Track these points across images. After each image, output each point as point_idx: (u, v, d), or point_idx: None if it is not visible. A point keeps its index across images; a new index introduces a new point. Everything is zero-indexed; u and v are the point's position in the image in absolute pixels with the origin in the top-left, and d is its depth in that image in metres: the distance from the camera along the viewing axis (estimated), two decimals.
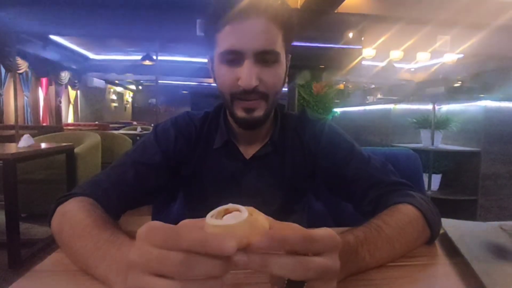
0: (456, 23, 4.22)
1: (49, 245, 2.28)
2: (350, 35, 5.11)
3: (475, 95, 2.36)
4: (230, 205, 0.35)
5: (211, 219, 0.33)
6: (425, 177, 2.35)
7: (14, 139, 4.06)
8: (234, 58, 0.61)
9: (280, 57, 0.63)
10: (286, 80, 0.71)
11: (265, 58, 0.61)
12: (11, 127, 5.02)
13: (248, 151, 0.72)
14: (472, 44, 4.90)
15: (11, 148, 2.26)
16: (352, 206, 0.71)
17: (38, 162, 2.78)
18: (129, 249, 0.32)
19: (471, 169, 2.34)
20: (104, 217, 0.51)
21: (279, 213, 0.73)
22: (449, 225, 0.62)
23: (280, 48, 0.62)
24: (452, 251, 0.53)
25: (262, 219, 0.35)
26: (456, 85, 4.07)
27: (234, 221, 0.32)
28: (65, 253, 0.49)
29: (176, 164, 0.71)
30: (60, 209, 0.54)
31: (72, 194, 0.57)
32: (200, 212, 0.71)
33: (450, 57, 5.70)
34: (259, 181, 0.72)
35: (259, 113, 0.63)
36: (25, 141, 2.22)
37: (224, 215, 0.34)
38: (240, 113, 0.64)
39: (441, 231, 0.60)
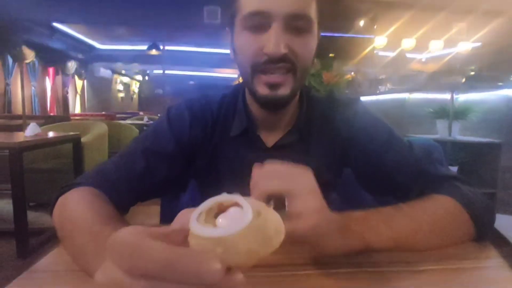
0: (472, 9, 4.05)
1: (57, 234, 2.27)
2: (361, 23, 4.95)
3: (496, 84, 2.24)
4: (225, 196, 0.24)
5: (198, 225, 0.22)
6: None
7: (22, 128, 4.06)
8: (259, 22, 0.52)
9: (314, 27, 0.54)
10: (314, 60, 0.62)
11: (296, 24, 0.52)
12: (19, 117, 5.03)
13: (270, 139, 0.64)
14: (488, 32, 4.72)
15: (18, 137, 2.23)
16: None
17: (45, 151, 2.76)
18: (114, 240, 0.26)
19: (490, 161, 2.25)
20: (107, 210, 0.45)
21: None
22: (500, 222, 0.55)
23: (314, 15, 0.54)
24: (507, 250, 0.47)
25: (274, 219, 0.23)
26: (472, 74, 3.93)
27: (234, 229, 0.21)
28: (66, 249, 0.43)
29: (191, 153, 0.64)
30: (62, 200, 0.49)
31: (76, 183, 0.52)
32: None
33: (465, 46, 5.50)
34: None
35: (285, 90, 0.54)
36: (31, 130, 2.19)
37: (217, 214, 0.24)
38: (262, 90, 0.55)
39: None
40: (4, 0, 4.29)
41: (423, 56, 7.64)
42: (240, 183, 0.64)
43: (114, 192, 0.52)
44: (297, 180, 0.40)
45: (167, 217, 0.82)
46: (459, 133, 2.40)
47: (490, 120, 2.29)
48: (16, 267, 1.92)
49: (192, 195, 0.80)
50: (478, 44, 5.55)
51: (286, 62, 0.53)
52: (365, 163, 0.62)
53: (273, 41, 0.50)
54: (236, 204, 0.23)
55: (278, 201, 0.36)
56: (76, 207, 0.45)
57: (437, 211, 0.48)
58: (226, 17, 0.60)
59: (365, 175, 0.64)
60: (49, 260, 0.44)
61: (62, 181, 2.18)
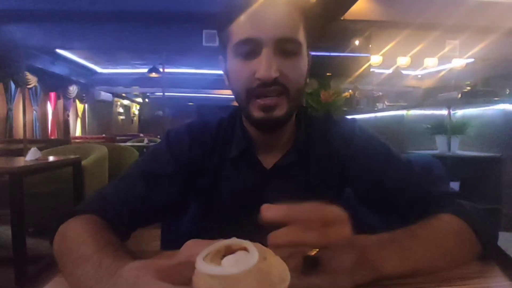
0: (465, 27, 4.16)
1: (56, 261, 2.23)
2: (357, 42, 5.07)
3: (492, 99, 2.27)
4: (233, 241, 0.25)
5: (204, 264, 0.23)
6: None
7: (23, 153, 4.07)
8: (250, 49, 0.54)
9: (302, 49, 0.56)
10: (307, 80, 0.64)
11: (285, 48, 0.54)
12: (20, 141, 5.05)
13: (269, 160, 0.64)
14: (481, 49, 4.82)
15: (18, 161, 2.24)
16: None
17: (45, 175, 2.76)
18: (119, 278, 0.29)
19: (492, 176, 2.24)
20: (108, 239, 0.45)
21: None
22: (504, 240, 0.55)
23: (302, 38, 0.56)
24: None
25: (280, 268, 0.24)
26: (468, 89, 3.99)
27: (238, 269, 0.22)
28: (66, 280, 0.42)
29: (191, 175, 0.64)
30: (62, 228, 0.49)
31: (76, 211, 0.52)
32: (215, 228, 0.64)
33: (459, 62, 5.61)
34: (281, 194, 0.64)
35: (279, 112, 0.55)
36: (32, 154, 2.20)
37: (224, 256, 0.24)
38: (257, 113, 0.56)
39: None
40: (8, 28, 4.42)
41: (418, 73, 7.76)
42: (238, 203, 0.64)
43: (115, 218, 0.52)
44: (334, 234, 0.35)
45: (168, 241, 0.81)
46: (458, 148, 2.41)
47: (488, 134, 2.30)
48: None
49: (192, 218, 0.80)
50: (472, 60, 5.67)
51: (278, 85, 0.54)
52: (365, 182, 0.62)
53: (264, 66, 0.52)
54: (244, 248, 0.24)
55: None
56: (77, 236, 0.45)
57: (447, 233, 0.47)
58: (219, 46, 0.62)
59: (365, 194, 0.64)
60: None
61: (62, 205, 2.16)
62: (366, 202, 0.65)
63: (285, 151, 0.64)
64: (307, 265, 0.32)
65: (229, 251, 0.25)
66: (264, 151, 0.65)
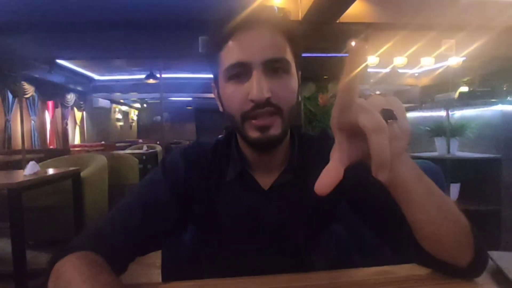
0: (461, 26, 4.17)
1: None
2: (353, 43, 5.07)
3: (490, 100, 2.27)
4: None
5: None
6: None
7: (21, 164, 4.06)
8: (240, 72, 0.55)
9: (291, 68, 0.58)
10: (300, 98, 0.64)
11: (275, 67, 0.55)
12: (18, 152, 5.04)
13: (266, 181, 0.65)
14: (477, 47, 4.83)
15: (17, 176, 2.23)
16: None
17: (44, 187, 2.75)
18: None
19: (492, 177, 2.24)
20: (103, 279, 0.45)
21: (305, 246, 0.66)
22: (503, 259, 0.55)
23: (289, 57, 0.57)
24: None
25: None
26: (462, 89, 4.00)
27: None
28: None
29: (187, 200, 0.64)
30: (56, 268, 0.48)
31: (72, 247, 0.51)
32: (216, 251, 0.64)
33: (456, 60, 5.63)
34: (280, 213, 0.64)
35: (275, 131, 0.56)
36: (30, 169, 2.19)
37: None
38: (254, 134, 0.57)
39: (494, 267, 0.53)
40: (4, 40, 4.41)
41: (415, 71, 7.78)
42: (238, 226, 0.64)
43: (111, 252, 0.52)
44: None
45: (168, 268, 0.80)
46: (458, 150, 2.40)
47: (487, 136, 2.29)
48: None
49: (192, 243, 0.79)
50: (468, 58, 5.68)
51: (271, 105, 0.55)
52: (360, 195, 0.62)
53: (256, 88, 0.53)
54: None
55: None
56: (70, 278, 0.45)
57: (455, 209, 0.49)
58: (212, 74, 0.63)
59: (360, 207, 0.64)
60: None
61: (62, 217, 2.17)
62: (361, 215, 0.65)
63: (281, 171, 0.64)
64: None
65: None
66: (260, 171, 0.65)
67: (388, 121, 0.35)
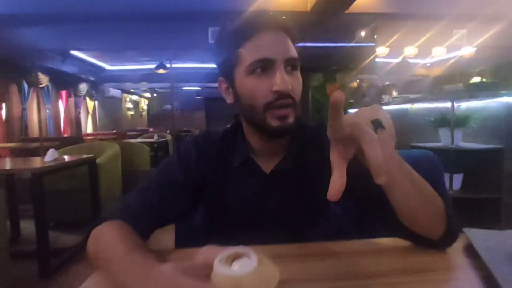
0: (472, 16, 4.10)
1: (77, 253, 2.37)
2: (362, 34, 5.05)
3: (496, 92, 2.28)
4: (240, 248, 0.35)
5: (220, 266, 0.33)
6: (446, 177, 2.30)
7: (39, 151, 4.23)
8: (265, 67, 0.63)
9: (299, 66, 0.67)
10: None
11: (292, 64, 0.64)
12: (36, 140, 5.23)
13: (268, 166, 0.73)
14: (489, 37, 4.75)
15: (38, 162, 2.37)
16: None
17: (62, 174, 2.90)
18: (159, 274, 0.38)
19: (494, 167, 2.27)
20: (134, 240, 0.54)
21: (303, 227, 0.74)
22: (475, 235, 0.62)
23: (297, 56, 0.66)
24: (478, 263, 0.53)
25: (272, 270, 0.34)
26: (474, 80, 3.95)
27: (243, 272, 0.31)
28: (102, 275, 0.52)
29: (199, 185, 0.73)
30: (95, 233, 0.58)
31: (104, 218, 0.61)
32: (224, 228, 0.74)
33: (468, 50, 5.53)
34: (281, 196, 0.72)
35: (291, 119, 0.65)
36: (50, 155, 2.33)
37: (234, 259, 0.34)
38: (274, 123, 0.64)
39: (467, 242, 0.60)
40: (20, 32, 4.55)
41: (427, 61, 7.65)
42: (243, 208, 0.72)
43: (136, 224, 0.61)
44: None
45: (181, 240, 0.91)
46: (461, 141, 2.43)
47: (490, 127, 2.32)
48: (38, 287, 2.01)
49: (203, 220, 0.89)
50: (480, 48, 5.57)
51: (290, 97, 0.64)
52: (351, 182, 0.69)
53: (281, 81, 0.62)
54: (247, 255, 0.34)
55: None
56: (109, 239, 0.54)
57: (431, 191, 0.56)
58: (222, 69, 0.70)
59: (352, 192, 0.71)
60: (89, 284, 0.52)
61: (79, 200, 2.35)
62: (351, 198, 0.72)
63: (282, 157, 0.72)
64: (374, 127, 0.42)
65: (237, 255, 0.34)
66: (263, 158, 0.73)
67: (378, 130, 0.41)
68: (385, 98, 4.41)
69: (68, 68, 6.76)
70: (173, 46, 5.33)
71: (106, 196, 2.95)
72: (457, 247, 0.59)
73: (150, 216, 0.65)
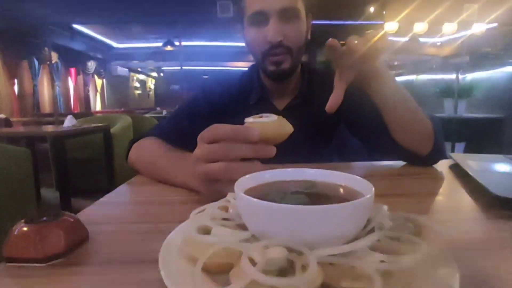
0: None
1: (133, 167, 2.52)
2: (372, 9, 4.98)
3: (501, 61, 2.32)
4: (264, 114, 0.47)
5: (250, 118, 0.45)
6: (449, 146, 2.38)
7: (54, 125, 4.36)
8: (260, 19, 0.72)
9: (301, 14, 0.74)
10: (309, 36, 0.80)
11: (287, 15, 0.72)
12: (48, 115, 5.38)
13: (280, 104, 0.83)
14: (501, 13, 4.65)
15: (57, 128, 2.49)
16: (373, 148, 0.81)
17: (77, 142, 3.03)
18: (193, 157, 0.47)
19: (494, 136, 2.34)
20: (170, 147, 0.66)
21: (309, 157, 0.85)
22: (460, 158, 0.71)
23: (300, 6, 0.74)
24: (465, 180, 0.60)
25: (288, 124, 0.46)
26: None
27: (268, 119, 0.44)
28: (146, 173, 0.63)
29: (221, 115, 0.83)
30: (137, 145, 0.70)
31: (142, 136, 0.73)
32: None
33: (479, 28, 5.42)
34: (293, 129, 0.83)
35: (286, 65, 0.75)
36: (69, 121, 2.45)
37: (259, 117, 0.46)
38: (270, 67, 0.75)
39: (453, 162, 0.69)
40: (28, 7, 4.59)
41: (437, 40, 7.50)
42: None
43: (169, 142, 0.72)
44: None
45: None
46: (465, 111, 2.49)
47: (493, 97, 2.37)
48: None
49: None
50: (494, 24, 5.45)
51: (283, 46, 0.73)
52: (354, 116, 0.78)
53: (271, 32, 0.71)
54: (269, 116, 0.46)
55: None
56: (152, 145, 0.67)
57: (419, 109, 0.65)
58: (237, 15, 0.81)
59: (354, 124, 0.81)
60: (115, 193, 0.62)
61: (94, 169, 2.50)
62: (358, 133, 0.83)
63: (293, 96, 0.83)
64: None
65: (262, 116, 0.46)
66: (276, 97, 0.84)
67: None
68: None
69: (76, 45, 6.82)
70: (180, 21, 5.34)
71: (120, 165, 3.09)
72: (445, 167, 0.69)
73: (179, 139, 0.75)
